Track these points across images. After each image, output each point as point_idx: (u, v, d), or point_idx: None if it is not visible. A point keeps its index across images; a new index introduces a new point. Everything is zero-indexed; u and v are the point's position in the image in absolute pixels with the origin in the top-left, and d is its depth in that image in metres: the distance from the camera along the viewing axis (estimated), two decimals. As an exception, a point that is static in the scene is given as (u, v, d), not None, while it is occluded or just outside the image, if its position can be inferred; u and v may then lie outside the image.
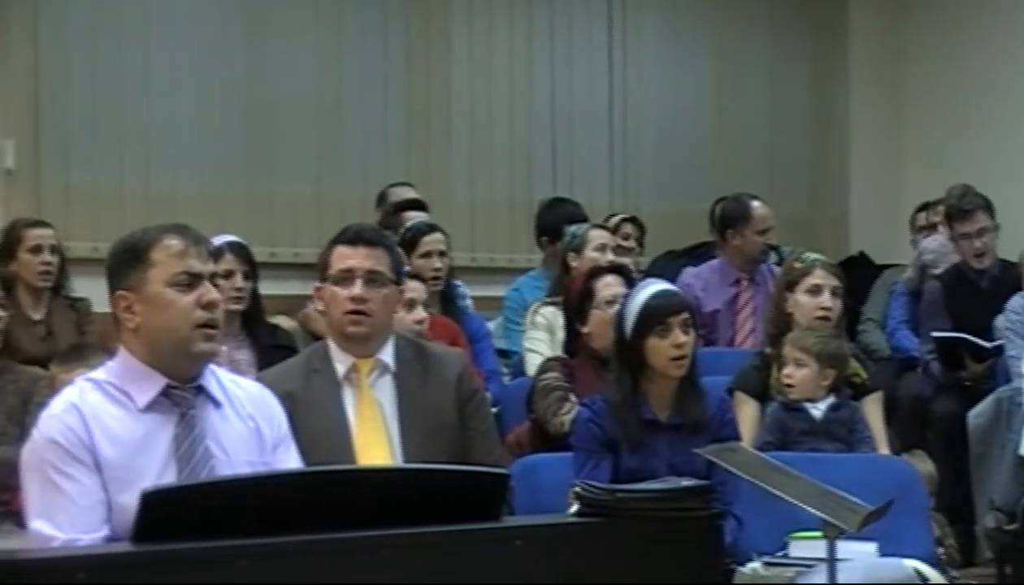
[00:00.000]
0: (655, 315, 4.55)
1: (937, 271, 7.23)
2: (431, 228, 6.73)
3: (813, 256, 5.57)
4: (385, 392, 4.23)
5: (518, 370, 6.51)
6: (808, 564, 4.31)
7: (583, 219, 7.13)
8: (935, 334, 6.75)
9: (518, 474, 4.34)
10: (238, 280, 5.86)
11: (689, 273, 7.12)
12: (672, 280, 5.64)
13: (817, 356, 5.10)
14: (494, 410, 5.00)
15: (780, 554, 4.48)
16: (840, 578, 3.51)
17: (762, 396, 5.24)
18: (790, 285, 5.44)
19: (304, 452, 3.58)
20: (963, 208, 6.96)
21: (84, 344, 5.55)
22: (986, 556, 6.20)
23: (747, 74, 9.51)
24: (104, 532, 3.18)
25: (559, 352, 5.66)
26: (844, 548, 3.65)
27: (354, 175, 8.04)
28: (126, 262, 3.36)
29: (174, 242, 3.35)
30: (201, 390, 3.38)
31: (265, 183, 7.83)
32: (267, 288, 6.30)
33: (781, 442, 4.96)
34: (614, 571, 2.80)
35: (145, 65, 7.51)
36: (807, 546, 4.32)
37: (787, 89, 9.63)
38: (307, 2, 8.03)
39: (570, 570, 2.75)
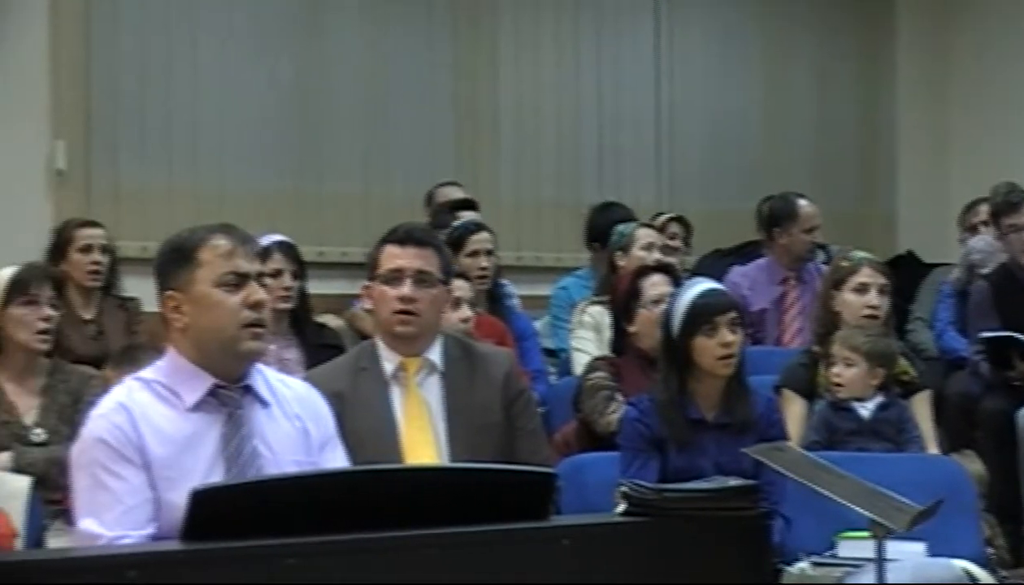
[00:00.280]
0: (702, 314, 4.53)
1: (985, 271, 7.19)
2: (478, 227, 6.74)
3: (860, 254, 5.54)
4: (432, 391, 4.23)
5: (565, 369, 6.51)
6: (856, 564, 4.29)
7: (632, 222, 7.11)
8: (983, 334, 6.71)
9: (565, 473, 4.31)
10: (286, 279, 5.90)
11: (736, 272, 7.10)
12: (719, 279, 5.63)
13: (867, 355, 5.07)
14: (541, 409, 4.98)
15: (828, 554, 4.46)
16: (889, 578, 3.49)
17: (809, 393, 5.23)
18: (837, 283, 5.43)
19: (352, 451, 3.59)
20: (1010, 201, 6.94)
21: (136, 345, 5.56)
22: (1036, 557, 6.16)
23: (794, 73, 9.48)
24: (150, 530, 3.19)
25: (606, 351, 5.65)
26: (893, 548, 3.62)
27: (402, 175, 8.05)
28: (174, 262, 3.38)
29: (221, 242, 3.36)
30: (248, 390, 3.39)
31: (313, 183, 7.85)
32: (315, 287, 6.34)
33: (828, 442, 4.94)
34: (661, 571, 2.79)
35: (194, 66, 7.55)
36: (855, 546, 4.30)
37: (834, 88, 9.60)
38: (356, 2, 8.05)
39: (617, 570, 2.75)
